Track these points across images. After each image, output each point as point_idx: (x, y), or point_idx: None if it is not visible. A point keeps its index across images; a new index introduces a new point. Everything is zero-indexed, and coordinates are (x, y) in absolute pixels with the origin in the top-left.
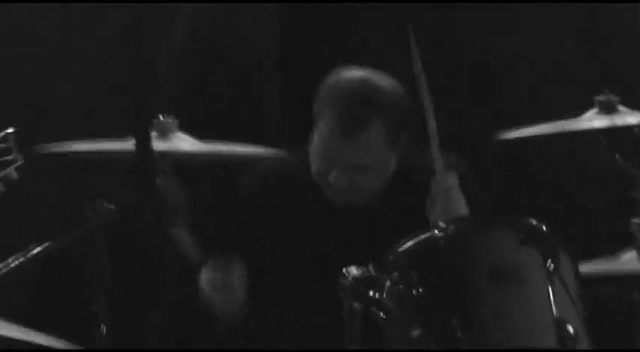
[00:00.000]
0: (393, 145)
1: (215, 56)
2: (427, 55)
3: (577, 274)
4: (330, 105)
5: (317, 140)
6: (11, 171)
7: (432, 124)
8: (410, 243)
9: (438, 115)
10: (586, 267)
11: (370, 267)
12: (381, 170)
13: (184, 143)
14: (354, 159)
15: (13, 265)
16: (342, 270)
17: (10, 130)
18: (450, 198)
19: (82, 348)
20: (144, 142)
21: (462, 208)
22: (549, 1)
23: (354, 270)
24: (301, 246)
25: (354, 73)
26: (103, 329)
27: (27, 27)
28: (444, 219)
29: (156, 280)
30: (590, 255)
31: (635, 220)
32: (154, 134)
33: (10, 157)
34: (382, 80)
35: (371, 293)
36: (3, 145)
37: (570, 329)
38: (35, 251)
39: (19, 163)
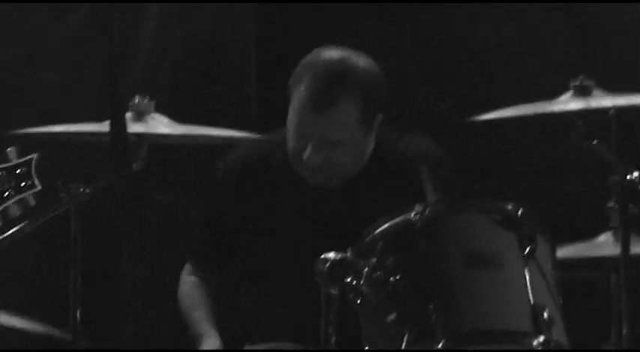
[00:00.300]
0: (367, 125)
1: (192, 39)
2: (407, 40)
3: (554, 258)
4: (304, 81)
5: (291, 116)
6: (29, 197)
7: None
8: (386, 226)
9: (414, 98)
10: (563, 251)
11: (348, 252)
12: (356, 149)
13: (160, 125)
14: (327, 134)
15: None
16: (318, 253)
17: (32, 156)
18: None
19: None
20: (119, 124)
21: None
22: None
23: (331, 255)
24: (277, 229)
25: (332, 52)
26: (78, 312)
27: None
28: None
29: (129, 263)
30: (567, 238)
31: (610, 204)
32: (129, 115)
33: (28, 182)
34: (358, 59)
35: (348, 279)
36: (24, 169)
37: (546, 314)
38: (10, 231)
39: (37, 190)
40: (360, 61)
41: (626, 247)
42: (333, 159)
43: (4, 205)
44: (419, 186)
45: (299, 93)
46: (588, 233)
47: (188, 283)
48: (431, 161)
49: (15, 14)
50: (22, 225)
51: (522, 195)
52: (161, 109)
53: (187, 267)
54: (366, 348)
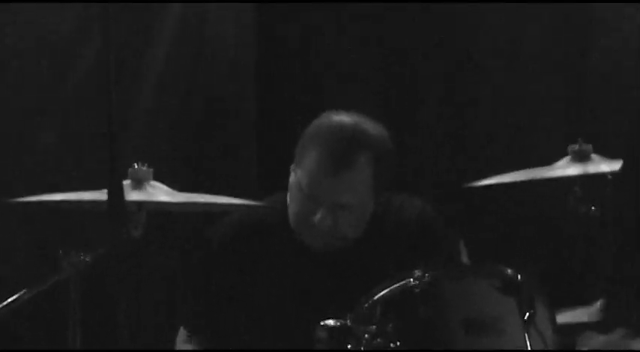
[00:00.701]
0: (377, 190)
1: (190, 102)
2: (403, 102)
3: (554, 323)
4: (319, 144)
5: (300, 179)
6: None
7: None
8: (385, 292)
9: (411, 162)
10: (563, 316)
11: (347, 319)
12: (363, 211)
13: (159, 192)
14: (341, 197)
15: None
16: (319, 318)
17: None
18: None
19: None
20: (116, 192)
21: None
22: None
23: (331, 322)
24: (275, 294)
25: (342, 116)
26: None
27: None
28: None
29: (128, 329)
30: (567, 303)
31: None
32: (128, 183)
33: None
34: (369, 123)
35: (349, 346)
36: None
37: None
38: (10, 300)
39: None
40: (371, 125)
41: None
42: (342, 222)
43: None
44: (415, 248)
45: (312, 157)
46: (587, 298)
47: (182, 347)
48: (426, 223)
49: (14, 76)
50: (21, 293)
51: (520, 259)
52: (160, 177)
53: (182, 333)
54: None
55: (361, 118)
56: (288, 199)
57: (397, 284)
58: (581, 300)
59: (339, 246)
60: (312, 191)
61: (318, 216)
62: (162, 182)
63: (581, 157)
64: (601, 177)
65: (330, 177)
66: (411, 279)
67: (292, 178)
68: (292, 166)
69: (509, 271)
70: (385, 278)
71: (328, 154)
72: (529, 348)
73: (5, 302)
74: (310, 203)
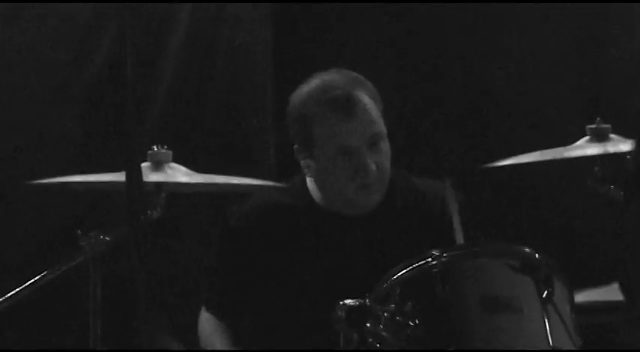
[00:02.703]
0: (383, 120)
1: (210, 86)
2: (421, 82)
3: (572, 301)
4: (318, 109)
5: (326, 147)
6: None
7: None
8: (403, 272)
9: (432, 143)
10: (581, 296)
11: (366, 298)
12: (386, 150)
13: (179, 174)
14: (368, 130)
15: (10, 295)
16: (343, 292)
17: None
18: None
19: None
20: (135, 174)
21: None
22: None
23: (349, 301)
24: (308, 270)
25: (320, 74)
26: None
27: (22, 58)
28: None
29: (146, 310)
30: (585, 283)
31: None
32: (147, 165)
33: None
34: (343, 72)
35: (367, 324)
36: None
37: None
38: (32, 281)
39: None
40: (345, 72)
41: None
42: (382, 161)
43: None
44: (432, 222)
45: (322, 121)
46: (607, 278)
47: (207, 327)
48: (450, 200)
49: (34, 63)
50: (42, 274)
51: (539, 239)
52: (179, 159)
53: (203, 314)
54: None
55: (333, 72)
56: (309, 184)
57: (415, 264)
58: (599, 280)
59: (371, 205)
60: (342, 143)
61: (361, 164)
62: (182, 164)
63: (600, 137)
64: (620, 156)
65: (349, 121)
66: (429, 259)
67: (312, 164)
68: (302, 157)
69: (526, 250)
70: (404, 251)
71: (334, 107)
72: (547, 327)
73: (27, 283)
74: (346, 161)
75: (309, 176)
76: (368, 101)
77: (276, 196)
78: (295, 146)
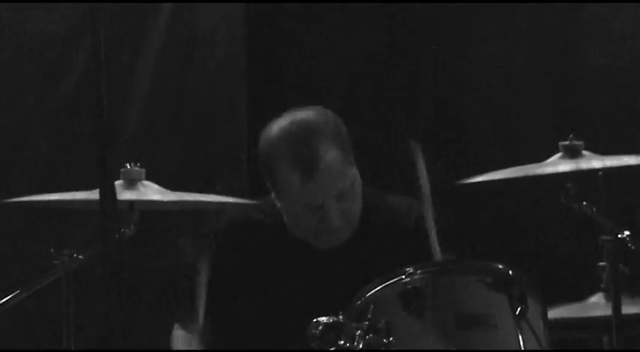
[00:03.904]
0: (351, 162)
1: (182, 104)
2: (394, 99)
3: (545, 318)
4: (280, 161)
5: (287, 198)
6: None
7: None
8: (377, 288)
9: (402, 159)
10: (554, 312)
11: (340, 315)
12: (356, 194)
13: (151, 191)
14: (333, 187)
15: None
16: (315, 314)
17: None
18: None
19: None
20: (108, 191)
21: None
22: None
23: (323, 319)
24: (275, 291)
25: (281, 122)
26: None
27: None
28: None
29: (120, 329)
30: (558, 299)
31: (601, 263)
32: (120, 183)
33: None
34: (306, 111)
35: (341, 341)
36: None
37: None
38: (5, 299)
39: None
40: (308, 111)
41: (617, 308)
42: (349, 207)
43: None
44: (408, 242)
45: (283, 176)
46: (579, 294)
47: (180, 344)
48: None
49: (8, 80)
50: (15, 293)
51: (513, 256)
52: (152, 177)
53: (176, 331)
54: None
55: (297, 112)
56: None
57: (389, 281)
58: (573, 297)
59: (341, 239)
60: (306, 202)
61: (325, 216)
62: (155, 182)
63: (573, 153)
64: (593, 173)
65: (310, 183)
66: (403, 276)
67: (278, 202)
68: (272, 195)
69: (500, 267)
70: (379, 273)
71: (294, 166)
72: (521, 344)
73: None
74: (310, 212)
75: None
76: (335, 155)
77: (247, 213)
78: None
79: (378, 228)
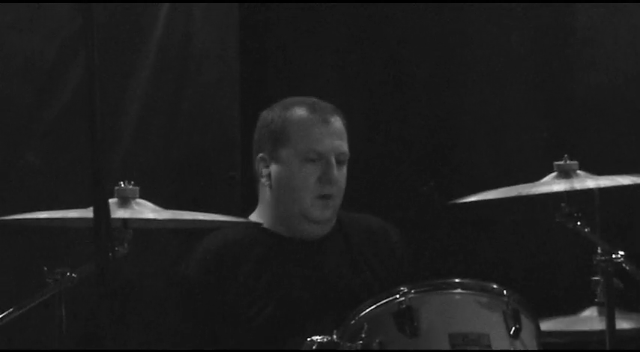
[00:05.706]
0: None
1: (176, 122)
2: (386, 119)
3: (539, 337)
4: (297, 110)
5: (296, 147)
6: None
7: None
8: (371, 308)
9: (397, 179)
10: (547, 325)
11: (334, 335)
12: (342, 185)
13: (145, 209)
14: (340, 145)
15: None
16: (300, 321)
17: None
18: None
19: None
20: (102, 210)
21: None
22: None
23: (317, 338)
24: (268, 302)
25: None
26: None
27: None
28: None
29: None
30: (552, 313)
31: (595, 278)
32: (114, 201)
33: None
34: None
35: None
36: None
37: None
38: None
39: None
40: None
41: (611, 322)
42: (342, 182)
43: None
44: (377, 251)
45: (299, 114)
46: (573, 308)
47: None
48: (388, 233)
49: (1, 97)
50: (8, 311)
51: (507, 275)
52: (146, 195)
53: None
54: None
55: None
56: (261, 210)
57: (383, 301)
58: (565, 310)
59: (319, 234)
60: (315, 147)
61: (327, 172)
62: (149, 200)
63: (567, 173)
64: (587, 192)
65: (325, 126)
66: (397, 295)
67: (275, 170)
68: (264, 166)
69: (494, 286)
70: (357, 275)
71: (313, 110)
72: None
73: None
74: (313, 166)
75: (268, 186)
76: (340, 122)
77: (238, 231)
78: (260, 155)
79: (350, 236)
